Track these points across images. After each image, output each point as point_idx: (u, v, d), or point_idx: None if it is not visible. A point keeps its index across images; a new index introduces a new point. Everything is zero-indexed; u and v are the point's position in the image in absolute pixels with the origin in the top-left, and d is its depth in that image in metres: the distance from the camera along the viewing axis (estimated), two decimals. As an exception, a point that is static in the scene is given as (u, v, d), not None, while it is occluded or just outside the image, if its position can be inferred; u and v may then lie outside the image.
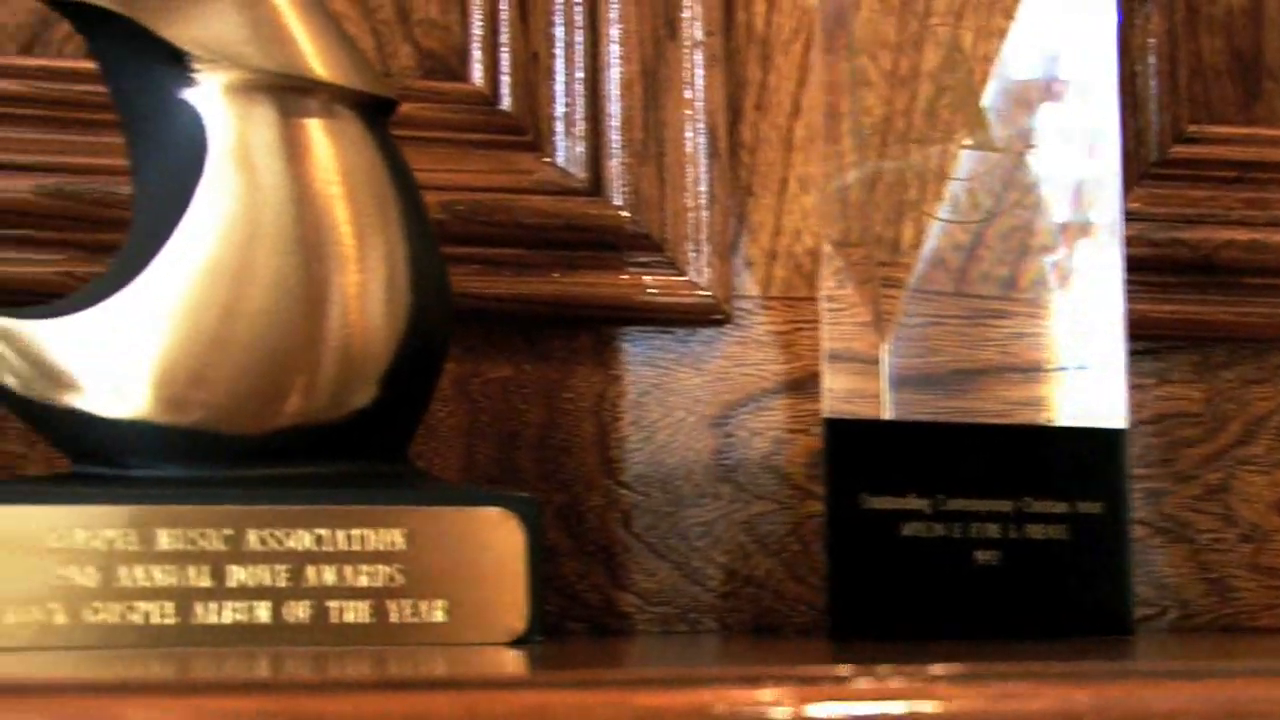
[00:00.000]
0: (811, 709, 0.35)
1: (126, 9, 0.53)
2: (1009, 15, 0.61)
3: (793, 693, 0.35)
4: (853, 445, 0.59)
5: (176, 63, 0.53)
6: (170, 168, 0.54)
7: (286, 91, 0.54)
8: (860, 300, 0.61)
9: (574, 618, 0.66)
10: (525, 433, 0.66)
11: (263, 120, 0.54)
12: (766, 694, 0.35)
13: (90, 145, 0.63)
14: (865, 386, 0.61)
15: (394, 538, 0.53)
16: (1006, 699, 0.40)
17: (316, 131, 0.55)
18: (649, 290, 0.66)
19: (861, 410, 0.60)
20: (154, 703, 0.33)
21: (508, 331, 0.66)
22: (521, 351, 0.66)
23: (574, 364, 0.67)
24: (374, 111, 0.56)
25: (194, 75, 0.54)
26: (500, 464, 0.66)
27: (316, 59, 0.55)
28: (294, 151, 0.54)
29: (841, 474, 0.58)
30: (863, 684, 0.40)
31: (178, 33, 0.53)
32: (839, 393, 0.60)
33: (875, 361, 0.61)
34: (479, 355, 0.66)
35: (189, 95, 0.54)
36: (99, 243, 0.62)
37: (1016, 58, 0.62)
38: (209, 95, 0.54)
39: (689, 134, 0.67)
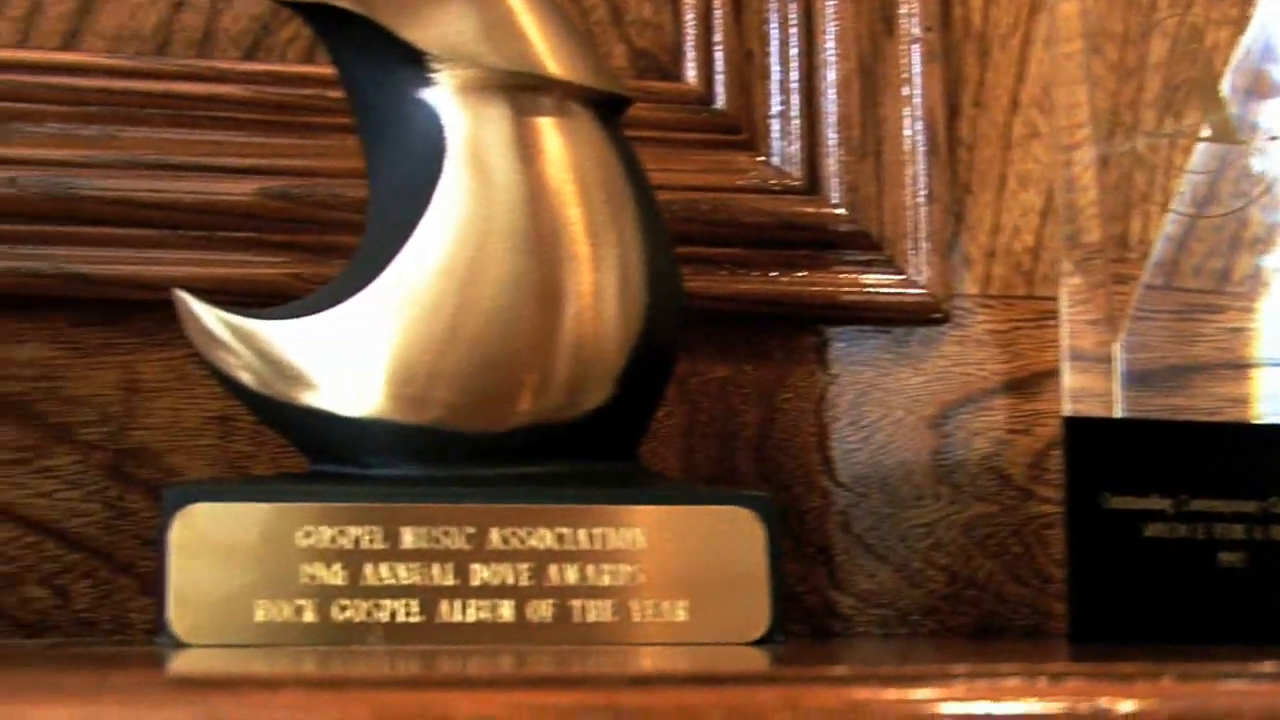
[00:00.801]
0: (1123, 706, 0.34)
1: (366, 10, 0.53)
2: (1247, 2, 0.60)
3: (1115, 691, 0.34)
4: (1093, 444, 0.57)
5: (415, 63, 0.54)
6: (407, 168, 0.54)
7: (521, 90, 0.54)
8: (1091, 297, 0.60)
9: (793, 619, 0.65)
10: (744, 433, 0.66)
11: (497, 119, 0.54)
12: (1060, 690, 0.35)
13: (312, 148, 0.63)
14: (1092, 385, 0.60)
15: (635, 537, 0.53)
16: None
17: (550, 130, 0.55)
18: (867, 289, 0.66)
19: (1090, 409, 0.59)
20: (480, 697, 0.32)
21: (726, 332, 0.66)
22: (740, 351, 0.66)
23: (792, 364, 0.66)
24: (607, 109, 0.56)
25: (432, 75, 0.54)
26: (719, 464, 0.65)
27: (550, 57, 0.55)
28: (528, 150, 0.54)
29: (1082, 474, 0.57)
30: (1134, 686, 0.39)
31: (417, 33, 0.53)
32: (1071, 392, 0.59)
33: (1105, 360, 0.60)
34: (697, 355, 0.65)
35: (427, 95, 0.54)
36: (324, 245, 0.62)
37: (1254, 47, 0.60)
38: (446, 95, 0.54)
39: (907, 131, 0.66)
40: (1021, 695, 0.35)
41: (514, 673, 0.37)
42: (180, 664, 0.43)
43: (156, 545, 0.61)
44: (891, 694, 0.33)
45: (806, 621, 0.65)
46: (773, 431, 0.66)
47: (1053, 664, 0.40)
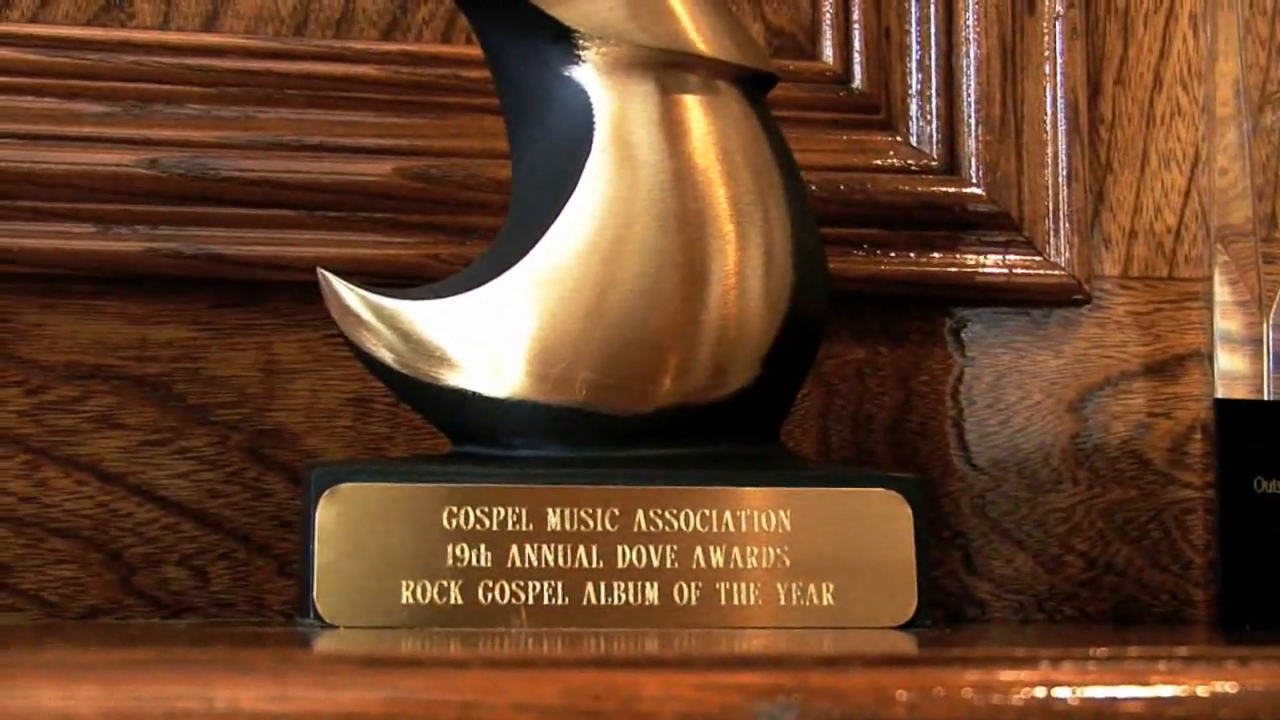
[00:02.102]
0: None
1: (515, -13, 0.53)
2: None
3: None
4: (1245, 428, 0.56)
5: (562, 41, 0.53)
6: (554, 146, 0.54)
7: (667, 67, 0.54)
8: (1240, 278, 0.59)
9: (930, 604, 0.64)
10: (880, 416, 0.65)
11: (644, 97, 0.54)
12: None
13: (449, 128, 0.63)
14: (1240, 367, 0.59)
15: (781, 519, 0.52)
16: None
17: (696, 108, 0.54)
18: (1006, 270, 0.65)
19: (1237, 393, 0.58)
20: (668, 677, 0.32)
21: (862, 313, 0.65)
22: (876, 333, 0.65)
23: (929, 346, 0.65)
24: (754, 87, 0.55)
25: (579, 53, 0.53)
26: (855, 447, 0.65)
27: (698, 34, 0.54)
28: (674, 129, 0.54)
29: (1234, 458, 0.56)
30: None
31: (564, 10, 0.53)
32: (1221, 374, 0.58)
33: (1254, 341, 0.59)
34: (833, 337, 0.64)
35: (574, 73, 0.54)
36: (462, 225, 0.62)
37: None
38: (593, 73, 0.53)
39: (1048, 110, 0.65)
40: (1215, 679, 0.34)
41: (702, 653, 0.36)
42: (347, 644, 0.43)
43: (296, 526, 0.61)
44: (1090, 677, 0.32)
45: (942, 607, 0.65)
46: (909, 414, 0.65)
47: (1216, 648, 0.40)
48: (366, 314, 0.54)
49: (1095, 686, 0.33)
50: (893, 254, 0.65)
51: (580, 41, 0.53)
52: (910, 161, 0.65)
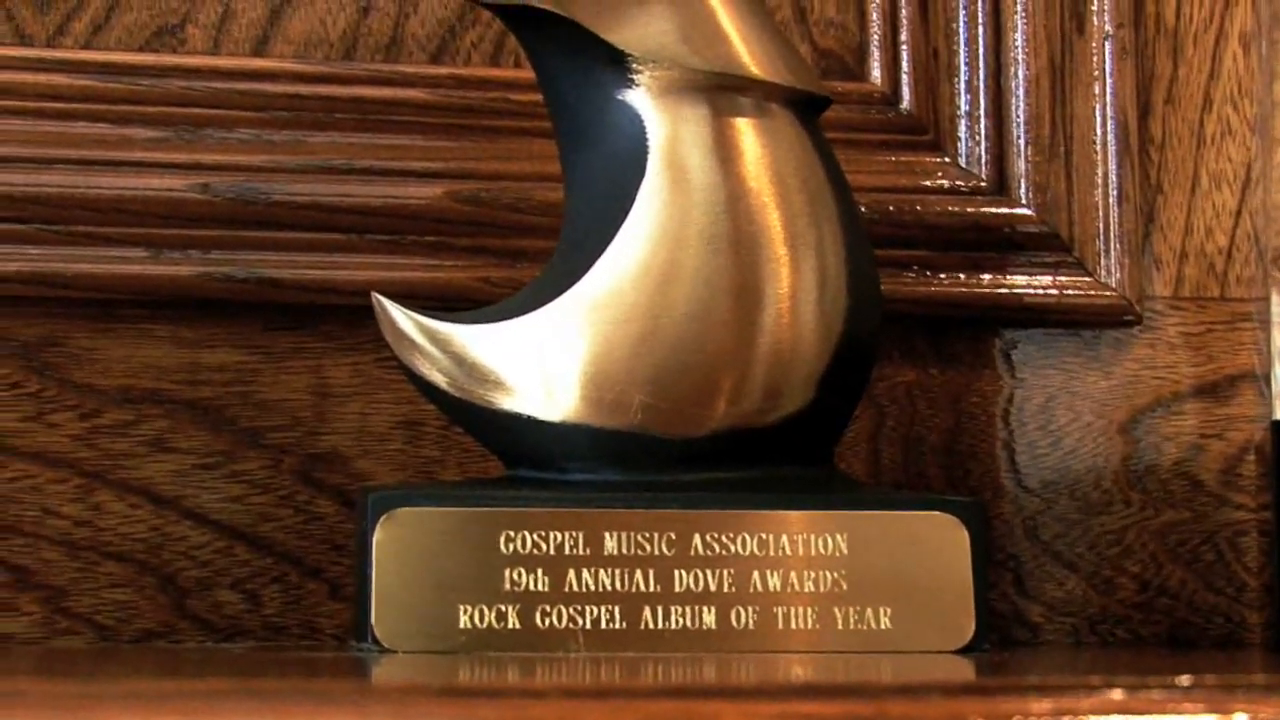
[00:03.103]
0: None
1: (568, 11, 0.53)
2: None
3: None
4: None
5: (616, 65, 0.53)
6: (608, 170, 0.54)
7: (720, 90, 0.54)
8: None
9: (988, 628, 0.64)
10: (931, 438, 0.65)
11: (697, 120, 0.54)
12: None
13: (498, 151, 0.63)
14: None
15: (838, 542, 0.52)
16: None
17: (749, 131, 0.54)
18: (1057, 291, 0.65)
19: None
20: (746, 706, 0.32)
21: (912, 334, 0.65)
22: (927, 355, 0.65)
23: (980, 367, 0.65)
24: (807, 109, 0.55)
25: (633, 77, 0.53)
26: (906, 469, 0.64)
27: (750, 57, 0.54)
28: (728, 152, 0.54)
29: (1291, 479, 0.56)
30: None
31: (618, 34, 0.53)
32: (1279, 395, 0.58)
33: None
34: (884, 359, 0.64)
35: (628, 97, 0.54)
36: (512, 248, 0.62)
37: None
38: (647, 97, 0.53)
39: (1097, 130, 0.65)
40: None
41: (780, 681, 0.36)
42: (419, 672, 0.43)
43: (348, 550, 0.62)
44: (1169, 705, 0.32)
45: (993, 630, 0.64)
46: (960, 436, 0.65)
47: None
48: (420, 338, 0.54)
49: (1174, 715, 0.33)
50: (942, 275, 0.65)
51: (634, 65, 0.53)
52: (959, 182, 0.65)
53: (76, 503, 0.60)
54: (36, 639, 0.59)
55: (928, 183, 0.65)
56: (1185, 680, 0.35)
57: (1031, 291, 0.65)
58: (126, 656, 0.56)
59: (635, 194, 0.53)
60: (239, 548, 0.61)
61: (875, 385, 0.65)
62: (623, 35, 0.53)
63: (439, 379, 0.54)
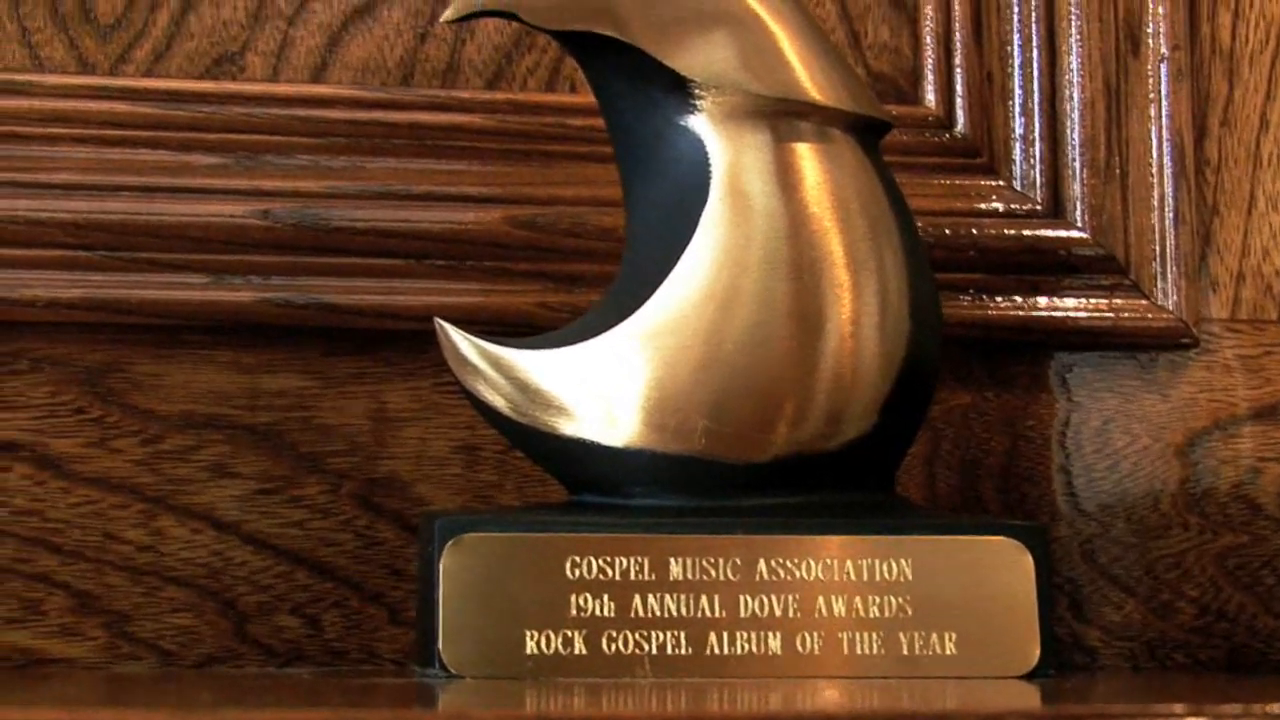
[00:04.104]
0: None
1: (631, 38, 0.53)
2: None
3: None
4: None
5: (678, 90, 0.53)
6: (670, 196, 0.54)
7: (781, 116, 0.54)
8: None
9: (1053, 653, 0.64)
10: (987, 461, 0.65)
11: (758, 146, 0.54)
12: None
13: (554, 176, 0.63)
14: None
15: (903, 568, 0.52)
16: None
17: (810, 156, 0.54)
18: (1113, 314, 0.65)
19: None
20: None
21: (969, 358, 0.65)
22: (983, 378, 0.65)
23: (1036, 390, 0.65)
24: (868, 134, 0.55)
25: (695, 102, 0.54)
26: (962, 493, 0.64)
27: (811, 82, 0.54)
28: (789, 178, 0.54)
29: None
30: None
31: (681, 60, 0.53)
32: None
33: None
34: (940, 382, 0.64)
35: (690, 122, 0.54)
36: (569, 273, 0.62)
37: None
38: (709, 122, 0.54)
39: (1153, 152, 0.65)
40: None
41: (846, 708, 0.36)
42: (484, 699, 0.43)
43: (407, 575, 0.62)
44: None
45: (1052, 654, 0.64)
46: (1016, 460, 0.65)
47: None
48: (482, 363, 0.55)
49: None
50: (998, 298, 0.65)
51: (696, 91, 0.53)
52: (1014, 205, 0.65)
53: (139, 528, 0.60)
54: (100, 664, 0.59)
55: (982, 206, 0.65)
56: (1276, 708, 0.35)
57: (1087, 314, 0.65)
58: (190, 682, 0.56)
59: (698, 220, 0.53)
60: (299, 572, 0.61)
61: (932, 409, 0.64)
62: (685, 61, 0.53)
63: (501, 404, 0.54)
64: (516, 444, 0.56)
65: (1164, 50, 0.65)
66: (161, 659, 0.60)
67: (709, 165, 0.53)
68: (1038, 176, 0.65)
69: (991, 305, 0.65)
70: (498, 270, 0.62)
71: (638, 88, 0.54)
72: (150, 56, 0.62)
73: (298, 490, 0.61)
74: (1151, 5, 0.65)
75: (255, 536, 0.61)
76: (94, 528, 0.60)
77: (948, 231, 0.64)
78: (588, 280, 0.62)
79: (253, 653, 0.60)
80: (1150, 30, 0.65)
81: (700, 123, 0.54)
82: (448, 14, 0.55)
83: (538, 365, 0.54)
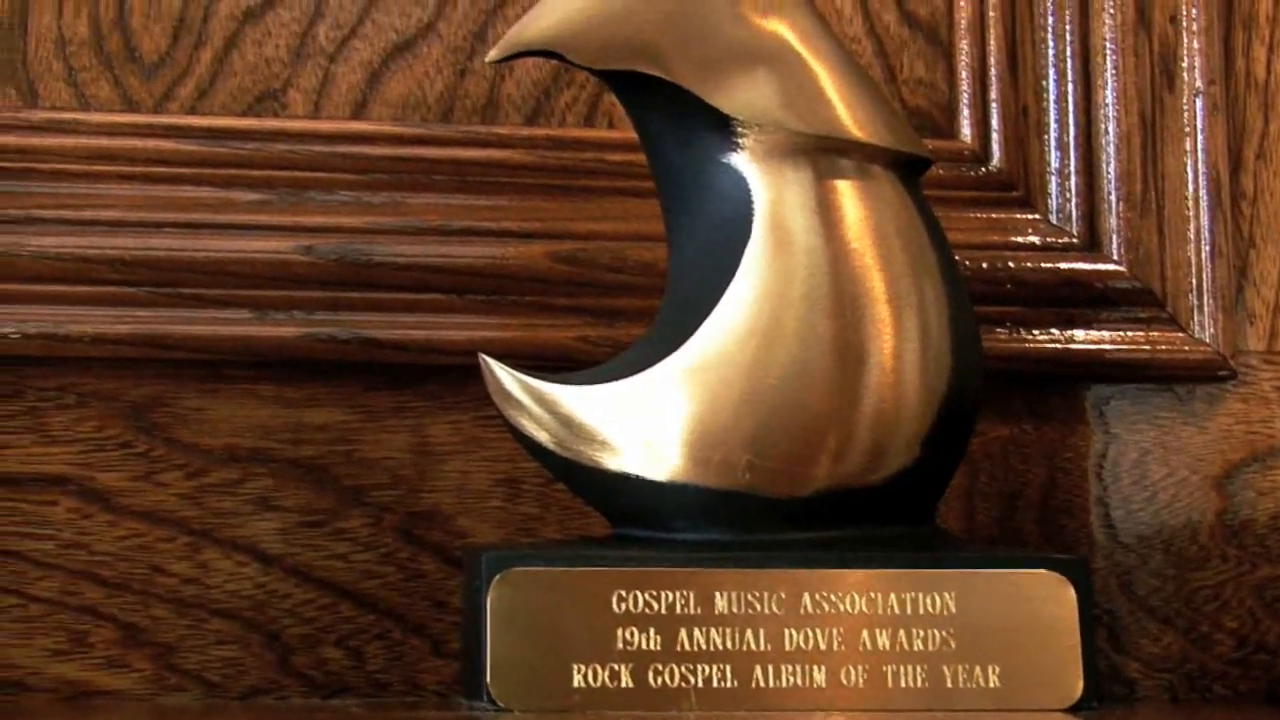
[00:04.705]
0: None
1: (675, 77, 0.54)
2: None
3: None
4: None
5: (721, 128, 0.54)
6: (714, 233, 0.54)
7: (822, 153, 0.54)
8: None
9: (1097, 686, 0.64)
10: (1026, 493, 0.65)
11: (799, 183, 0.54)
12: None
13: (594, 211, 0.64)
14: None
15: (946, 601, 0.52)
16: None
17: (851, 192, 0.55)
18: (1150, 346, 0.65)
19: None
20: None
21: (1007, 391, 0.65)
22: (1021, 411, 0.65)
23: (1074, 423, 0.65)
24: (908, 170, 0.56)
25: (738, 140, 0.54)
26: (1001, 525, 0.65)
27: (851, 119, 0.55)
28: (830, 215, 0.54)
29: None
30: None
31: (724, 98, 0.54)
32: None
33: None
34: (978, 416, 0.65)
35: (732, 160, 0.54)
36: (610, 308, 0.63)
37: None
38: (751, 160, 0.54)
39: (1189, 186, 0.66)
40: None
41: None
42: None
43: (449, 607, 0.62)
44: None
45: (1090, 684, 0.64)
46: (1055, 492, 0.65)
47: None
48: (526, 398, 0.55)
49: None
50: (1035, 331, 0.65)
51: (738, 129, 0.54)
52: (1050, 239, 0.66)
53: (184, 560, 0.61)
54: (146, 695, 0.60)
55: (1019, 239, 0.65)
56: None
57: (1124, 347, 0.65)
58: (234, 713, 0.57)
59: (740, 256, 0.54)
60: (343, 605, 0.61)
61: (970, 442, 0.65)
62: (727, 99, 0.54)
63: (545, 439, 0.55)
64: (560, 478, 0.56)
65: (1199, 84, 0.66)
66: (207, 690, 0.60)
67: (751, 202, 0.54)
68: (1073, 210, 0.66)
69: (1029, 338, 0.65)
70: (538, 305, 0.63)
71: (681, 126, 0.54)
72: (194, 94, 0.63)
73: (341, 523, 0.62)
74: (1186, 40, 0.66)
75: (299, 569, 0.61)
76: (140, 560, 0.60)
77: (984, 265, 0.65)
78: (628, 314, 0.62)
79: (297, 684, 0.61)
80: (1185, 65, 0.66)
81: (742, 160, 0.54)
82: (492, 54, 0.55)
83: (582, 400, 0.54)
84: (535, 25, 0.55)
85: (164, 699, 0.60)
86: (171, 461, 0.61)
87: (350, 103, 0.64)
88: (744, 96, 0.54)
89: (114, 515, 0.60)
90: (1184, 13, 0.66)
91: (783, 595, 0.52)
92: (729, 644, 0.52)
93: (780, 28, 0.55)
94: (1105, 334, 0.65)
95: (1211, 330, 0.65)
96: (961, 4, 0.66)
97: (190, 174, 0.62)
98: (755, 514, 0.54)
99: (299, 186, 0.63)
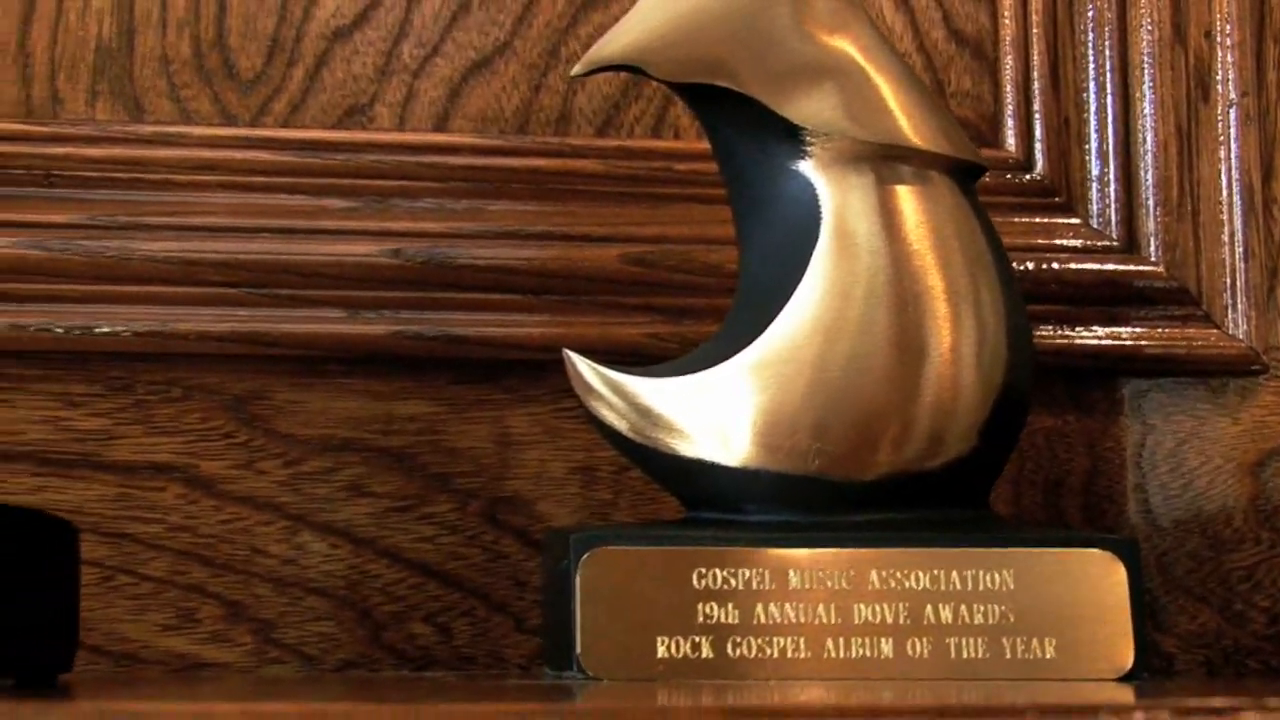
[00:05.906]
0: None
1: (748, 89, 0.57)
2: None
3: None
4: None
5: (790, 137, 0.58)
6: (783, 236, 0.58)
7: (885, 160, 0.58)
8: None
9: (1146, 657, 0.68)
10: (1069, 480, 0.69)
11: (863, 188, 0.58)
12: None
13: (663, 216, 0.68)
14: None
15: (1005, 578, 0.56)
16: None
17: (911, 197, 0.58)
18: (1186, 343, 0.69)
19: None
20: None
21: (1051, 385, 0.69)
22: (1064, 404, 0.69)
23: (1114, 415, 0.69)
24: (964, 176, 0.60)
25: (806, 149, 0.58)
26: (1045, 510, 0.69)
27: (912, 128, 0.59)
28: (892, 218, 0.58)
29: None
30: None
31: (793, 109, 0.58)
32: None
33: None
34: (1024, 407, 0.68)
35: (801, 168, 0.58)
36: (678, 307, 0.67)
37: None
38: (817, 167, 0.58)
39: (1224, 192, 0.69)
40: None
41: (954, 704, 0.39)
42: (621, 700, 0.46)
43: (530, 586, 0.66)
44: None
45: (1131, 661, 0.68)
46: (1096, 479, 0.69)
47: None
48: (606, 390, 0.59)
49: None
50: (1078, 329, 0.69)
51: (806, 138, 0.58)
52: (1092, 242, 0.69)
53: (282, 543, 0.65)
54: (249, 667, 0.64)
55: (1061, 242, 0.69)
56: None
57: (1162, 344, 0.69)
58: (331, 685, 0.61)
59: (808, 259, 0.58)
60: (431, 584, 0.65)
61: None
62: (796, 110, 0.58)
63: (624, 427, 0.59)
64: (637, 463, 0.60)
65: (1233, 96, 0.70)
66: (304, 663, 0.64)
67: (819, 207, 0.58)
68: (1113, 215, 0.70)
69: (1072, 335, 0.69)
70: (610, 304, 0.67)
71: (752, 135, 0.58)
72: (288, 109, 0.67)
73: (429, 508, 0.66)
74: (1220, 54, 0.70)
75: (389, 550, 0.65)
76: (242, 542, 0.64)
77: (1030, 266, 0.69)
78: (695, 313, 0.66)
79: (387, 658, 0.65)
80: (1219, 77, 0.70)
81: (810, 167, 0.58)
82: (576, 68, 0.59)
83: (659, 392, 0.58)
84: (616, 42, 0.59)
85: (265, 671, 0.64)
86: (270, 451, 0.65)
87: (432, 116, 0.68)
88: (811, 107, 0.58)
89: (217, 500, 0.65)
90: (1218, 28, 0.70)
91: (852, 573, 0.56)
92: (802, 618, 0.56)
93: (844, 43, 0.59)
94: (1144, 331, 0.69)
95: (1244, 327, 0.69)
96: (1006, 21, 0.70)
97: (285, 183, 0.66)
98: (822, 497, 0.57)
99: (386, 194, 0.67)
